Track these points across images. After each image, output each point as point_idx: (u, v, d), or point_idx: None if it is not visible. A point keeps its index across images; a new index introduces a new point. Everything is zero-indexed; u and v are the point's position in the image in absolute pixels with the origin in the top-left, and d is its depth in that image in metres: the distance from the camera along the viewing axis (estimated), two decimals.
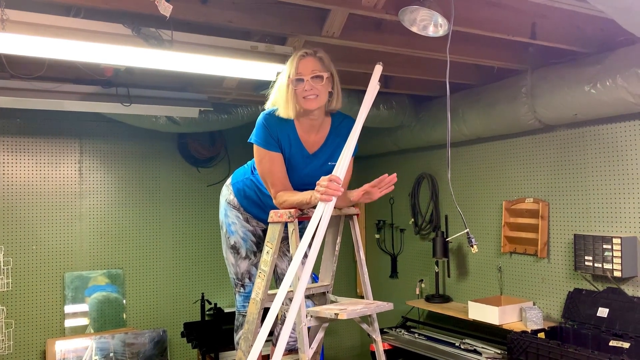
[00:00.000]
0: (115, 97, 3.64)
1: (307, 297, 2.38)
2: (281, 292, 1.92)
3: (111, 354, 4.48)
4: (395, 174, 2.11)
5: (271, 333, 3.03)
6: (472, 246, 2.22)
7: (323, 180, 2.03)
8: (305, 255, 1.98)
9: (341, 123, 2.35)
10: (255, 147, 2.29)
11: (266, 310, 2.39)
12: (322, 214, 1.98)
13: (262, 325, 2.59)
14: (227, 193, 2.64)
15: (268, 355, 2.69)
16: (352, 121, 2.35)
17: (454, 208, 4.58)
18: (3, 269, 4.36)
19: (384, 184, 2.11)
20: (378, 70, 2.21)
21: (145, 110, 3.90)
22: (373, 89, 2.19)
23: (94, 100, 3.65)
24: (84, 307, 4.68)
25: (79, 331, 4.63)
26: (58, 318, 4.60)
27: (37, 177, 4.59)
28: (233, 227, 2.62)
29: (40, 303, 4.54)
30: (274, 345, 2.74)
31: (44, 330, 4.53)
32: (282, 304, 2.32)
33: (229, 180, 2.67)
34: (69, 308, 4.62)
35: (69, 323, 4.62)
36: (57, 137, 4.67)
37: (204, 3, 2.56)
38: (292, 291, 2.05)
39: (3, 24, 2.20)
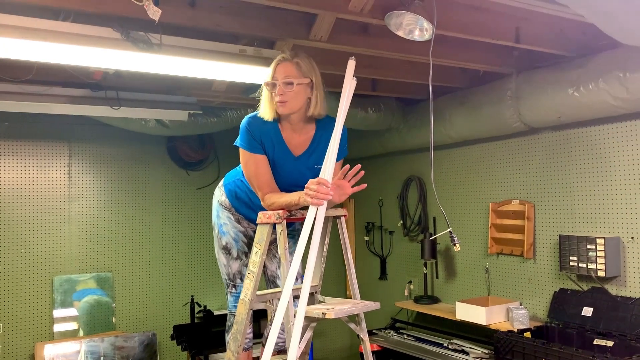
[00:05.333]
0: (104, 100, 3.65)
1: (295, 297, 2.40)
2: (285, 297, 1.94)
3: (101, 358, 4.47)
4: (359, 165, 2.12)
5: (261, 335, 3.05)
6: (454, 245, 2.26)
7: (312, 184, 2.05)
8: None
9: (326, 126, 2.37)
10: (240, 150, 2.33)
11: (256, 312, 2.42)
12: (315, 217, 2.01)
13: (250, 325, 2.62)
14: (219, 194, 2.67)
15: (258, 357, 2.71)
16: None
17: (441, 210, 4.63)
18: None
19: (350, 175, 2.12)
20: (351, 65, 2.19)
21: (135, 113, 3.91)
22: (349, 84, 2.19)
23: (82, 104, 3.65)
24: (72, 311, 4.67)
25: (67, 335, 4.61)
26: (47, 322, 4.58)
27: (26, 181, 4.58)
28: (224, 227, 2.65)
29: (28, 307, 4.53)
30: (264, 346, 2.76)
31: (32, 334, 4.52)
32: (272, 304, 2.36)
33: (221, 182, 2.71)
34: (57, 312, 4.61)
35: (57, 327, 4.60)
36: (45, 140, 4.66)
37: (193, 7, 2.59)
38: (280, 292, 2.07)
39: None
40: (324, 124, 2.37)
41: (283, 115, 2.27)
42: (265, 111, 2.28)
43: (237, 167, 2.65)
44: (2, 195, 4.48)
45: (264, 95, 2.28)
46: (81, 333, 4.66)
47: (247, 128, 2.30)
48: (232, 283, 2.70)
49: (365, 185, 2.17)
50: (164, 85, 3.79)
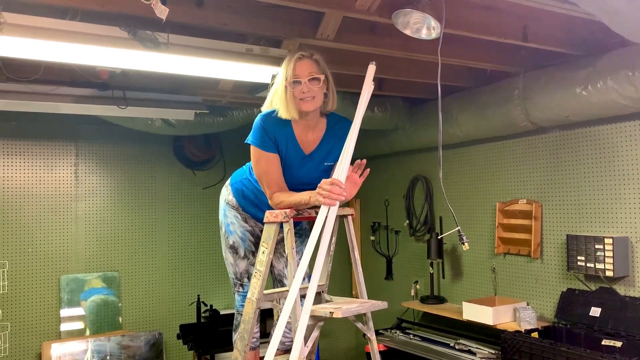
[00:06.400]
0: (111, 99, 3.65)
1: (302, 296, 2.40)
2: (292, 295, 1.94)
3: (107, 357, 4.48)
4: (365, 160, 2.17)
5: (268, 334, 3.05)
6: (463, 243, 2.25)
7: (325, 184, 2.04)
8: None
9: (337, 124, 2.37)
10: (252, 148, 2.32)
11: (263, 311, 2.41)
12: (327, 217, 2.00)
13: (257, 324, 2.62)
14: (226, 193, 2.67)
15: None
16: (348, 123, 2.37)
17: (448, 209, 4.61)
18: None
19: (355, 167, 2.15)
20: (372, 69, 2.23)
21: (141, 113, 3.91)
22: (368, 89, 2.21)
23: (89, 103, 3.65)
24: (79, 310, 4.68)
25: (74, 334, 4.62)
26: (54, 321, 4.60)
27: (33, 180, 4.60)
28: (232, 227, 2.65)
29: (36, 306, 4.54)
30: None
31: (39, 333, 4.53)
32: (279, 303, 2.35)
33: (228, 181, 2.71)
34: (64, 311, 4.62)
35: (64, 327, 4.61)
36: (52, 140, 4.68)
37: (200, 6, 2.58)
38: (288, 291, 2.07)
39: (0, 27, 2.21)
40: (334, 122, 2.38)
41: (307, 112, 2.25)
42: (286, 110, 2.24)
43: (244, 166, 2.65)
44: (9, 195, 4.50)
45: (281, 94, 2.24)
46: (88, 332, 4.68)
47: (261, 125, 2.29)
48: (239, 282, 2.70)
49: (369, 170, 2.19)
50: (171, 84, 3.80)
